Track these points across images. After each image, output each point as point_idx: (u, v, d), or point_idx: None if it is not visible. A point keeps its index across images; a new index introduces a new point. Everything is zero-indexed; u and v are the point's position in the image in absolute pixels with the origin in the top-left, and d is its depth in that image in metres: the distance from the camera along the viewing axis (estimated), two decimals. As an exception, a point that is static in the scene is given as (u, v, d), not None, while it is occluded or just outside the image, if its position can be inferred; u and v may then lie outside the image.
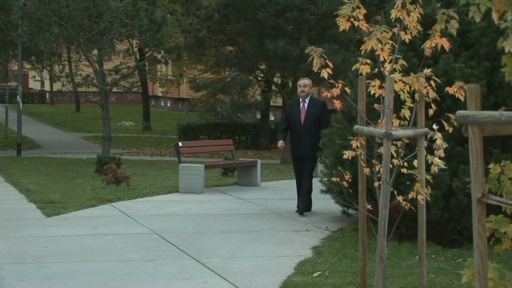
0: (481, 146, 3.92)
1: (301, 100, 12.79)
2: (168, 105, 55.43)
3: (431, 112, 6.56)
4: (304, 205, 12.64)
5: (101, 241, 10.29)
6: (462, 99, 6.26)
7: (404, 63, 6.62)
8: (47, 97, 63.30)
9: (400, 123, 6.63)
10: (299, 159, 12.78)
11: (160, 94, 53.05)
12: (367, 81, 6.76)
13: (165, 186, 16.15)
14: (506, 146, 9.76)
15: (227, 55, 25.78)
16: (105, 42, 24.31)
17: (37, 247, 9.81)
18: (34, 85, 71.48)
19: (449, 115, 6.32)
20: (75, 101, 51.01)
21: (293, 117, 12.73)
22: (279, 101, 32.81)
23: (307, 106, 12.64)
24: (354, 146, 6.86)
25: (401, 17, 6.37)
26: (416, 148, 6.64)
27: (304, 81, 12.84)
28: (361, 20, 6.42)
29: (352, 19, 6.42)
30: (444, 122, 6.49)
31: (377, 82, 6.63)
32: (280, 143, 12.91)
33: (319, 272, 8.37)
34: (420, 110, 6.60)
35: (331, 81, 6.63)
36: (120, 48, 27.87)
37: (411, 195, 6.60)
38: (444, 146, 6.52)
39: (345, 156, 6.96)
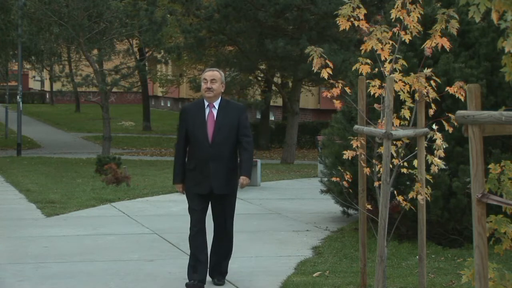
0: (481, 146, 3.93)
1: (206, 104, 7.78)
2: (168, 105, 55.44)
3: (431, 112, 6.56)
4: (223, 272, 8.00)
5: (101, 241, 10.29)
6: (462, 99, 6.26)
7: (404, 63, 6.62)
8: (47, 97, 63.30)
9: (400, 123, 6.63)
10: (205, 199, 7.83)
11: (160, 94, 53.05)
12: (367, 81, 6.76)
13: (165, 186, 16.14)
14: (506, 146, 9.76)
15: (227, 55, 25.79)
16: (105, 42, 24.32)
17: (37, 247, 9.81)
18: (34, 85, 71.46)
19: (449, 115, 6.32)
20: (75, 101, 51.03)
21: (195, 131, 7.73)
22: (279, 101, 32.83)
23: (218, 114, 7.74)
24: (354, 146, 6.86)
25: (401, 17, 6.38)
26: (416, 148, 6.64)
27: (212, 73, 7.80)
28: (361, 20, 6.43)
29: (352, 19, 6.42)
30: (444, 122, 6.49)
31: (377, 82, 6.63)
32: (179, 188, 7.91)
33: (319, 272, 8.37)
34: (420, 110, 6.61)
35: (331, 81, 6.64)
36: (120, 48, 27.88)
37: (411, 195, 6.60)
38: (444, 146, 6.52)
39: (345, 156, 6.96)
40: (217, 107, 7.76)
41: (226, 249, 7.97)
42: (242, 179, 7.73)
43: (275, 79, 28.40)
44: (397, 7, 6.36)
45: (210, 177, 7.67)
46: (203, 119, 7.74)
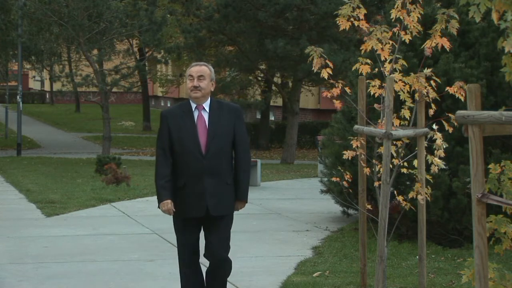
0: (481, 146, 3.92)
1: (194, 106, 6.35)
2: (168, 105, 55.39)
3: (431, 112, 6.57)
4: None
5: (101, 241, 10.29)
6: (462, 99, 6.26)
7: (404, 63, 6.62)
8: (47, 97, 63.28)
9: (400, 123, 6.63)
10: (197, 224, 6.39)
11: (160, 94, 53.04)
12: (367, 81, 6.76)
13: (165, 186, 16.12)
14: (506, 146, 9.76)
15: (227, 55, 25.79)
16: (105, 42, 24.33)
17: (37, 247, 9.81)
18: (34, 85, 71.44)
19: (449, 115, 6.32)
20: (75, 101, 51.00)
21: (183, 140, 6.26)
22: (279, 101, 32.83)
23: (210, 118, 6.31)
24: (354, 146, 6.86)
25: (401, 17, 6.38)
26: (416, 148, 6.64)
27: (199, 68, 6.33)
28: (361, 20, 6.43)
29: (352, 19, 6.42)
30: (444, 122, 6.49)
31: (377, 82, 6.63)
32: (167, 205, 6.22)
33: (319, 272, 8.37)
34: (420, 110, 6.61)
35: (331, 81, 6.63)
36: (120, 48, 27.88)
37: (411, 195, 6.60)
38: (444, 146, 6.52)
39: (345, 156, 6.96)
40: (207, 109, 6.31)
41: (226, 271, 6.44)
42: (239, 203, 6.40)
43: (275, 79, 28.40)
44: (397, 7, 6.36)
45: (205, 195, 6.21)
46: (192, 125, 6.26)
